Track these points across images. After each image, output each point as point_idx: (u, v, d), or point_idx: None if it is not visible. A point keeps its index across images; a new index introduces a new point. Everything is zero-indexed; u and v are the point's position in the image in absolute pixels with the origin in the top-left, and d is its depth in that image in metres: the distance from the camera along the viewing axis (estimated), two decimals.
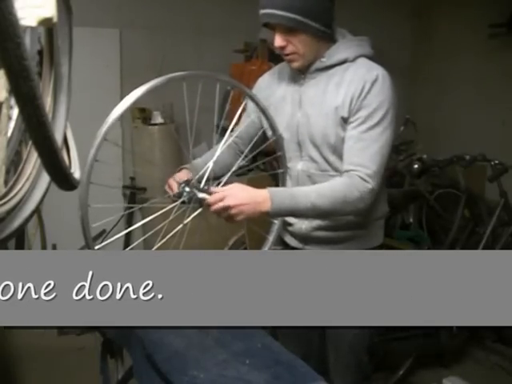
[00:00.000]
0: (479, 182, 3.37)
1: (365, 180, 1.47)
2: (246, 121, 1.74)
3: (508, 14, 3.62)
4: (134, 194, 3.53)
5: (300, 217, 1.61)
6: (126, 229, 3.55)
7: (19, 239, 2.03)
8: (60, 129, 0.88)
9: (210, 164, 1.50)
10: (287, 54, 1.54)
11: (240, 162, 1.78)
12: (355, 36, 1.64)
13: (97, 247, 1.31)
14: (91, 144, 1.23)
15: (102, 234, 3.47)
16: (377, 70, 1.53)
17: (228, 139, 1.55)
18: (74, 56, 0.93)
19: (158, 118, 3.49)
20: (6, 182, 0.78)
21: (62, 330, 3.31)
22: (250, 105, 1.72)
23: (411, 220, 3.13)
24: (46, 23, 0.68)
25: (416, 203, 3.18)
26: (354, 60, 1.56)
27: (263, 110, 1.55)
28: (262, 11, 1.48)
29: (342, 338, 1.74)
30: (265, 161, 1.77)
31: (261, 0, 1.49)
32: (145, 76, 1.36)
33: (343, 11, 4.05)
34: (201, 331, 1.49)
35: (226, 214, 1.40)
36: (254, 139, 1.71)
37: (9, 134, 0.82)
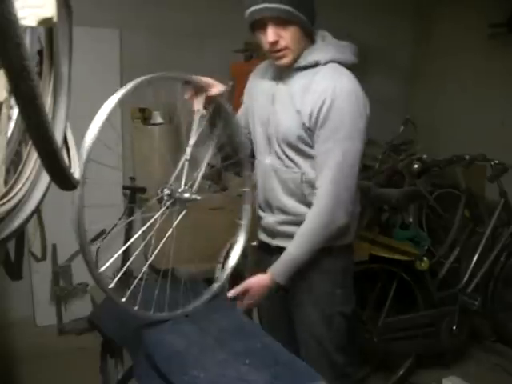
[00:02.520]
0: (479, 182, 3.37)
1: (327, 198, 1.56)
2: (242, 110, 1.85)
3: (508, 13, 3.61)
4: (134, 193, 3.53)
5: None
6: (126, 228, 3.56)
7: (19, 239, 2.03)
8: (60, 129, 0.88)
9: (186, 164, 1.53)
10: (279, 50, 1.56)
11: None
12: (341, 40, 1.64)
13: (101, 269, 1.31)
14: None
15: (102, 234, 3.48)
16: (341, 82, 1.53)
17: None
18: (73, 56, 0.93)
19: (157, 118, 3.48)
20: (5, 182, 0.78)
21: (62, 329, 3.32)
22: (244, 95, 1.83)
23: (411, 220, 3.13)
24: (46, 23, 0.68)
25: (416, 203, 3.18)
26: (325, 64, 1.57)
27: (223, 110, 1.61)
28: (254, 8, 1.49)
29: (307, 330, 1.75)
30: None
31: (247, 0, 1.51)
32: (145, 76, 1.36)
33: (344, 12, 4.08)
34: (201, 331, 1.49)
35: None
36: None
37: (9, 133, 0.82)
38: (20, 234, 1.42)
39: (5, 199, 0.73)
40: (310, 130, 1.56)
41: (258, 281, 1.63)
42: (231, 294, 1.61)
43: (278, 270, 1.62)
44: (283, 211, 1.69)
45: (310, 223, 1.59)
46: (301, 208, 1.65)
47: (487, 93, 3.85)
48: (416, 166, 2.95)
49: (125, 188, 3.54)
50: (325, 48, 1.59)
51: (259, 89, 1.74)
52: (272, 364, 1.33)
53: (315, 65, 1.58)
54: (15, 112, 0.82)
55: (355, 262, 1.84)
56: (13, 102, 0.77)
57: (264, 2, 1.47)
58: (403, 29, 4.39)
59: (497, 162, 2.84)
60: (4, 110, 0.77)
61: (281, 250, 1.70)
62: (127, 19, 3.46)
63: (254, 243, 1.90)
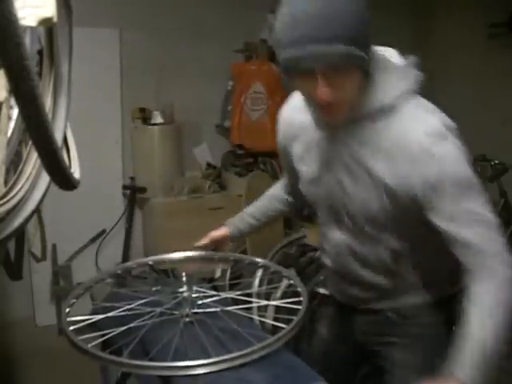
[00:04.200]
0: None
1: (504, 267, 1.13)
2: (286, 175, 1.54)
3: (508, 14, 3.62)
4: (134, 193, 3.53)
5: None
6: (126, 228, 3.57)
7: (19, 239, 2.03)
8: (60, 129, 0.88)
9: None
10: (330, 106, 1.11)
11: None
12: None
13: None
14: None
15: (102, 234, 3.48)
16: (427, 126, 1.21)
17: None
18: (73, 56, 0.93)
19: (158, 118, 3.48)
20: (5, 182, 0.78)
21: (62, 329, 3.32)
22: (282, 159, 1.48)
23: None
24: (46, 23, 0.68)
25: None
26: (391, 108, 1.19)
27: None
28: (297, 54, 1.03)
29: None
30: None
31: (282, 35, 1.05)
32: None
33: None
34: (201, 331, 1.49)
35: None
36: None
37: (9, 133, 0.82)
38: (20, 233, 1.42)
39: (5, 199, 0.73)
40: (399, 195, 1.18)
41: None
42: None
43: (467, 365, 1.07)
44: (360, 283, 1.39)
45: (492, 298, 1.11)
46: (378, 278, 1.35)
47: (487, 93, 3.85)
48: None
49: (125, 188, 3.54)
50: (388, 83, 1.20)
51: (299, 142, 1.33)
52: (272, 364, 1.33)
53: (378, 111, 1.18)
54: (15, 112, 0.82)
55: None
56: (13, 102, 0.77)
57: (312, 43, 1.02)
58: (403, 29, 4.39)
59: (497, 162, 2.84)
60: (4, 110, 0.77)
61: (369, 310, 1.41)
62: (127, 19, 3.46)
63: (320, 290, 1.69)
